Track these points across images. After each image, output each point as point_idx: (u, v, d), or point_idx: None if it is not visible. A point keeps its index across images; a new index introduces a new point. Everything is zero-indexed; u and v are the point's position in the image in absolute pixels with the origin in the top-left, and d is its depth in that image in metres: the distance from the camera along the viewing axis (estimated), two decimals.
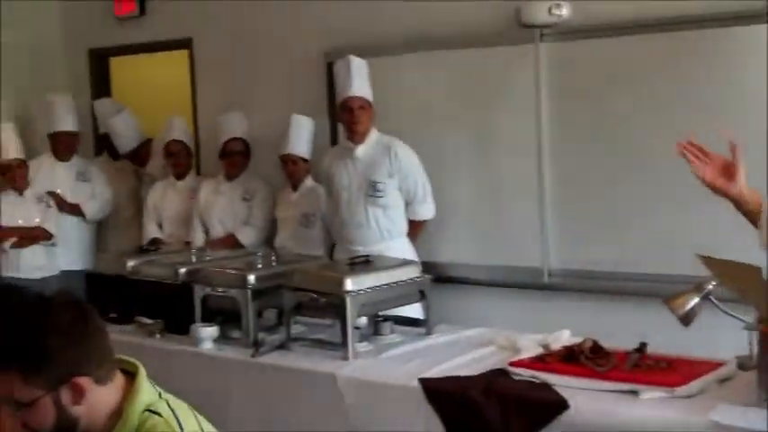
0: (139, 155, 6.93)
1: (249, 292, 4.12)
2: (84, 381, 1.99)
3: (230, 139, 6.10)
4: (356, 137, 5.14)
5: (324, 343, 4.04)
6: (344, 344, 3.85)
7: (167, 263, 4.68)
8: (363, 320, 4.16)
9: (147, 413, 2.03)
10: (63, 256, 6.59)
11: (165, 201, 6.50)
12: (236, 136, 6.11)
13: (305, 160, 5.76)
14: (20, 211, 6.39)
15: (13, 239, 6.31)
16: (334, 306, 3.86)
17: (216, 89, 6.72)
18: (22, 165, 6.40)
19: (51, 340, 1.97)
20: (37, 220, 6.41)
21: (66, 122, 6.76)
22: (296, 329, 4.16)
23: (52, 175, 6.67)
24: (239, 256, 4.96)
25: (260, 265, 4.35)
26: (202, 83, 6.83)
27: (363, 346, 3.97)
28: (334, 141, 5.92)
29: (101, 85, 7.52)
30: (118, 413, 2.04)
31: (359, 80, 5.15)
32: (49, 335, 1.97)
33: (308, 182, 5.79)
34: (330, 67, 5.84)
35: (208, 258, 4.75)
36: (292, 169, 5.77)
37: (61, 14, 7.52)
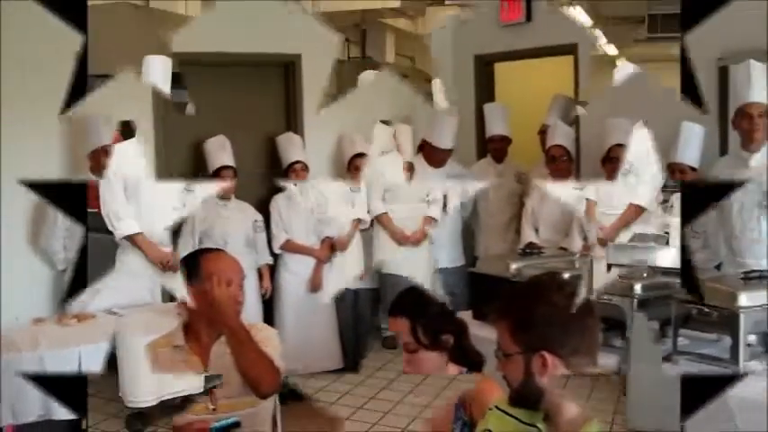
0: None
1: (634, 301, 4.06)
2: (552, 359, 2.10)
3: (615, 146, 6.00)
4: (752, 145, 4.89)
5: (711, 358, 3.89)
6: (735, 361, 3.71)
7: (549, 267, 4.70)
8: (753, 338, 3.94)
9: None
10: (439, 254, 6.83)
11: (543, 206, 6.54)
12: (621, 143, 6.01)
13: (693, 169, 5.58)
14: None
15: None
16: (726, 321, 3.72)
17: (600, 93, 6.64)
18: (409, 167, 6.69)
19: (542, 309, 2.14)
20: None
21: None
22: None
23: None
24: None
25: (645, 274, 4.26)
26: (586, 87, 6.78)
27: (753, 365, 3.78)
28: (723, 150, 5.68)
29: (485, 90, 7.69)
30: None
31: (759, 86, 4.89)
32: (544, 306, 2.14)
33: None
34: (721, 72, 5.63)
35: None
36: (680, 179, 5.59)
37: (451, 23, 7.78)
